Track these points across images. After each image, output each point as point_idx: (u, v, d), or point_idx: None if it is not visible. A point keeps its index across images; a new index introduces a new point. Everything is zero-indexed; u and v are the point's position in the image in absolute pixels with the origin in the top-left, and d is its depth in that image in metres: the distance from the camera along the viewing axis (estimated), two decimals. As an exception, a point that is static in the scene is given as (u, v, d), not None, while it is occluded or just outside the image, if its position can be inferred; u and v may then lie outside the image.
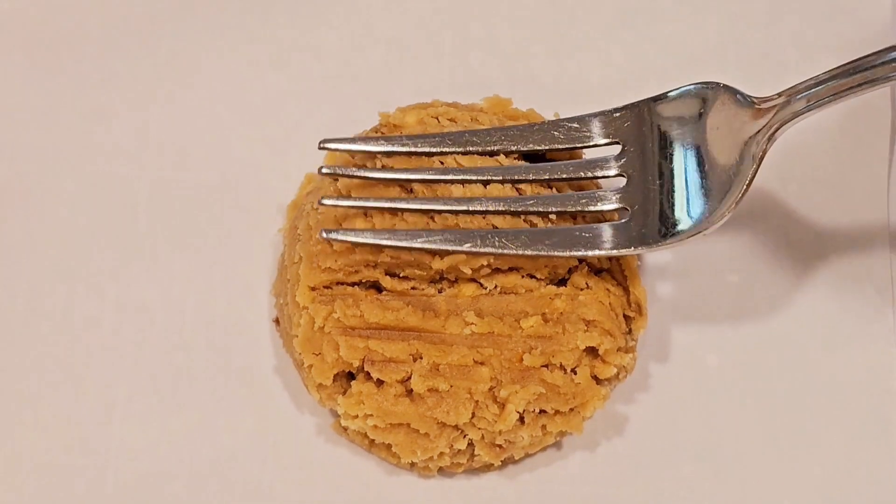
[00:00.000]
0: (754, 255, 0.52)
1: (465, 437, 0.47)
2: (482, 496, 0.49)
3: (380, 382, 0.47)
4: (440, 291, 0.48)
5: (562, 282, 0.48)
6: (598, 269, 0.49)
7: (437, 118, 0.50)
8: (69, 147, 0.53)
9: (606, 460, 0.49)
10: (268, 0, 0.56)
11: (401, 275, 0.48)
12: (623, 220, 0.47)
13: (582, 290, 0.48)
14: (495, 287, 0.48)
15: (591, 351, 0.47)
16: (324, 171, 0.48)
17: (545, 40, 0.56)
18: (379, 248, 0.47)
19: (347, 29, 0.56)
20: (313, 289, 0.48)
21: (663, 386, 0.50)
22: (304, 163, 0.52)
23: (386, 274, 0.48)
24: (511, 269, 0.48)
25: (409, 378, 0.47)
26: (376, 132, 0.51)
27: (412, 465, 0.49)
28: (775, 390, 0.50)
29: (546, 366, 0.47)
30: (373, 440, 0.48)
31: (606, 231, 0.47)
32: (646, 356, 0.50)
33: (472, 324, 0.47)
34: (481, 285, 0.48)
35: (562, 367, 0.47)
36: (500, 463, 0.48)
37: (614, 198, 0.47)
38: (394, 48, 0.56)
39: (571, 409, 0.47)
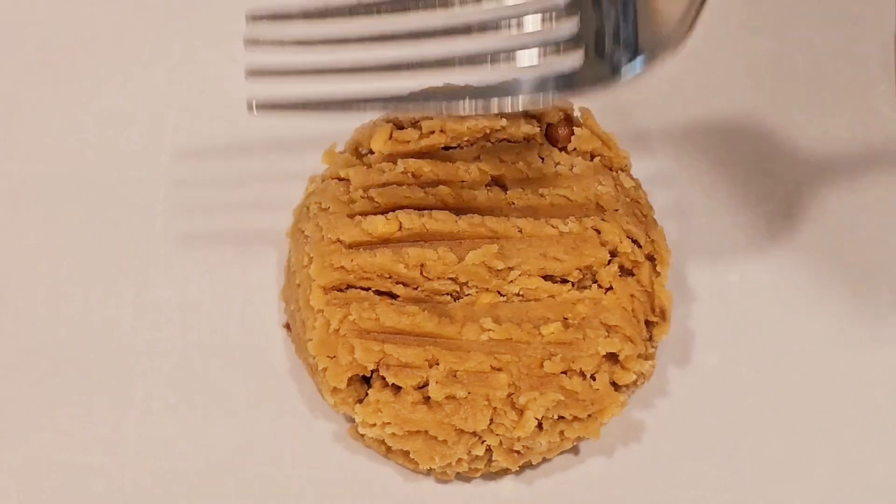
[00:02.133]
0: (764, 257, 0.52)
1: (483, 443, 0.47)
2: (499, 500, 0.49)
3: (396, 389, 0.47)
4: (456, 300, 0.48)
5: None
6: (628, 270, 0.49)
7: None
8: (85, 149, 0.54)
9: (623, 464, 0.49)
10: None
11: (417, 287, 0.48)
12: (578, 60, 0.43)
13: (606, 291, 0.48)
14: (516, 294, 0.48)
15: (611, 357, 0.47)
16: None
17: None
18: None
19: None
20: (326, 291, 0.48)
21: (679, 391, 0.50)
22: (317, 167, 0.52)
23: (399, 283, 0.48)
24: (544, 277, 0.48)
25: (426, 385, 0.46)
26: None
27: (429, 470, 0.48)
28: (791, 395, 0.50)
29: (565, 372, 0.47)
30: (390, 446, 0.48)
31: (561, 71, 0.43)
32: (663, 361, 0.50)
33: (490, 330, 0.47)
34: (499, 293, 0.48)
35: (581, 373, 0.47)
36: (517, 468, 0.48)
37: (567, 34, 0.43)
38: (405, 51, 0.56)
39: (589, 416, 0.47)
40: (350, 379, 0.47)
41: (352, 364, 0.47)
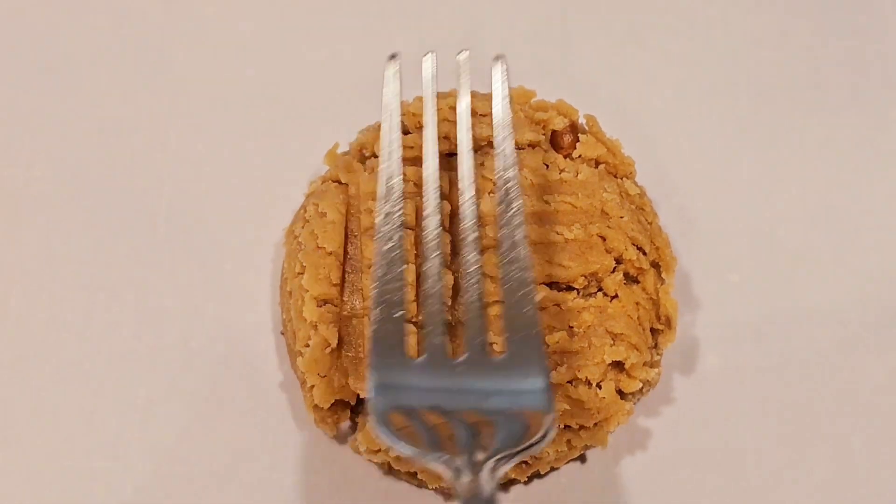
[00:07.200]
0: (769, 266, 0.52)
1: (490, 456, 0.47)
2: (507, 510, 0.49)
3: None
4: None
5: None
6: (633, 277, 0.48)
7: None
8: (86, 154, 0.54)
9: (630, 472, 0.49)
10: (281, 9, 0.56)
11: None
12: None
13: (612, 299, 0.48)
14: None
15: (617, 365, 0.47)
16: None
17: (557, 55, 0.56)
18: None
19: (360, 38, 0.56)
20: (320, 304, 0.47)
21: (684, 398, 0.50)
22: (319, 169, 0.52)
23: None
24: (549, 284, 0.47)
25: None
26: None
27: (436, 487, 0.48)
28: (795, 403, 0.50)
29: (571, 381, 0.46)
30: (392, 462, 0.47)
31: None
32: (668, 369, 0.50)
33: (494, 343, 0.47)
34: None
35: (587, 382, 0.46)
36: (525, 479, 0.48)
37: None
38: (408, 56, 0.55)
39: (596, 424, 0.47)
40: (335, 401, 0.47)
41: (343, 388, 0.46)
